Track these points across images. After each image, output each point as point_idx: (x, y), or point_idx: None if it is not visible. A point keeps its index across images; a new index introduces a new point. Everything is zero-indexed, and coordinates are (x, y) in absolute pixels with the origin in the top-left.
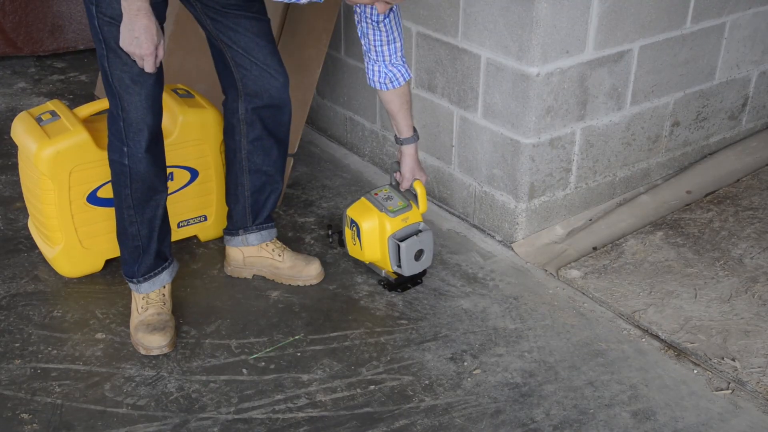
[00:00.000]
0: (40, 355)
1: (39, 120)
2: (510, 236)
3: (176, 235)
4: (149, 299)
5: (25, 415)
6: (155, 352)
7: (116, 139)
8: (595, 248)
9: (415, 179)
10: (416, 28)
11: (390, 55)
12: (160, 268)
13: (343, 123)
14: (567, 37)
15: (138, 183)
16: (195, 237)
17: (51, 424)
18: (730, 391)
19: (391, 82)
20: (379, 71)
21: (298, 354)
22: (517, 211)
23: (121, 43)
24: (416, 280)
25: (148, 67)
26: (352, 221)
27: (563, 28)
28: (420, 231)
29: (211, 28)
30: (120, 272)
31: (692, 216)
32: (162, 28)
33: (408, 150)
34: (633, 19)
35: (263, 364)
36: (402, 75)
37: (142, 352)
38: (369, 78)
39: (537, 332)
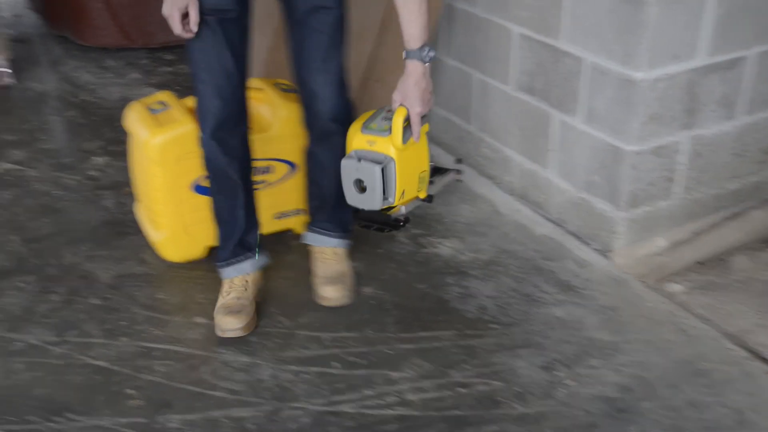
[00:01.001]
0: (144, 335)
1: (150, 109)
2: (607, 245)
3: (274, 226)
4: (233, 284)
5: (130, 391)
6: (229, 335)
7: (198, 127)
8: (700, 263)
9: (401, 105)
10: (518, 29)
11: None
12: (242, 257)
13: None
14: (676, 42)
15: (210, 169)
16: (291, 230)
17: (153, 401)
18: None
19: None
20: None
21: (389, 352)
22: (616, 219)
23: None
24: (384, 227)
25: (174, 27)
26: None
27: (673, 32)
28: (366, 159)
29: (289, 38)
30: None
31: None
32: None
33: (408, 66)
34: (751, 24)
35: (354, 359)
36: None
37: (219, 334)
38: None
39: (634, 346)
